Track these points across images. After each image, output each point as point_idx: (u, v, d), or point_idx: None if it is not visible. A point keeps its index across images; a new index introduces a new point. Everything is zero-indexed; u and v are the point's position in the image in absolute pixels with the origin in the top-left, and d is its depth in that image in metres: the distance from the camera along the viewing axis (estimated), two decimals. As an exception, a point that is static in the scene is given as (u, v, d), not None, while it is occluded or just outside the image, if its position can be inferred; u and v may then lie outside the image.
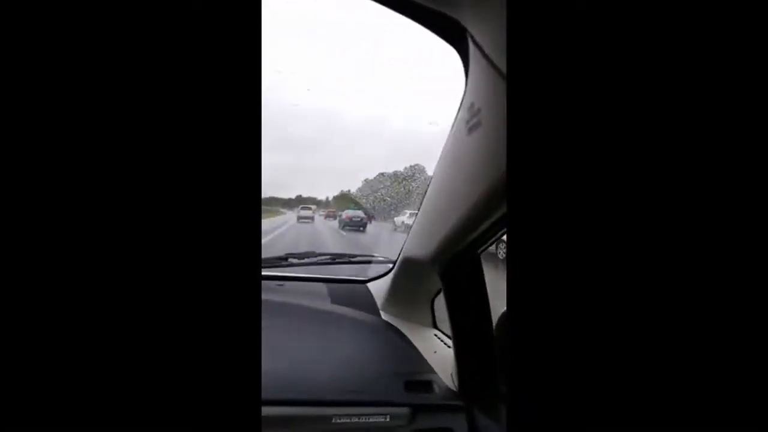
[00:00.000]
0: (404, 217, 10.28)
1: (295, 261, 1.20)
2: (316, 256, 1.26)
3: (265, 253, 0.99)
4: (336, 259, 1.27)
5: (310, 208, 18.40)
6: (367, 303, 1.09)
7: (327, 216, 19.21)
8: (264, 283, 1.09)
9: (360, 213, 12.22)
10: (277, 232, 8.51)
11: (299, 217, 16.80)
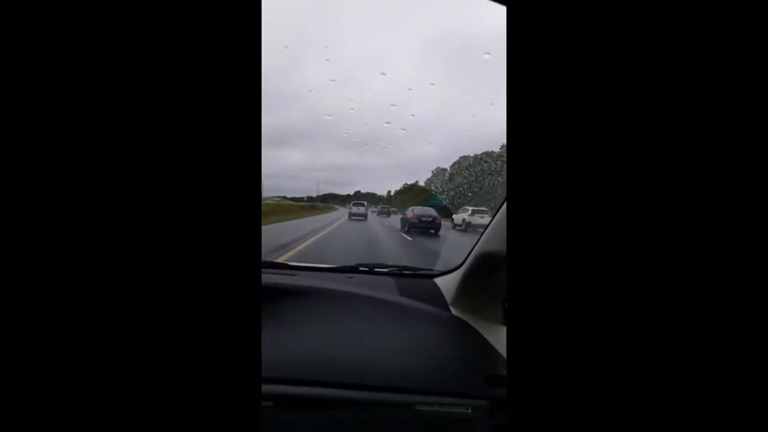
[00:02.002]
0: (465, 215, 9.11)
1: (364, 269, 1.21)
2: (386, 267, 1.24)
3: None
4: (403, 271, 1.23)
5: (362, 204, 16.40)
6: (435, 297, 1.03)
7: (380, 213, 18.00)
8: (333, 275, 1.16)
9: (431, 211, 9.15)
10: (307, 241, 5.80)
11: (350, 215, 14.82)
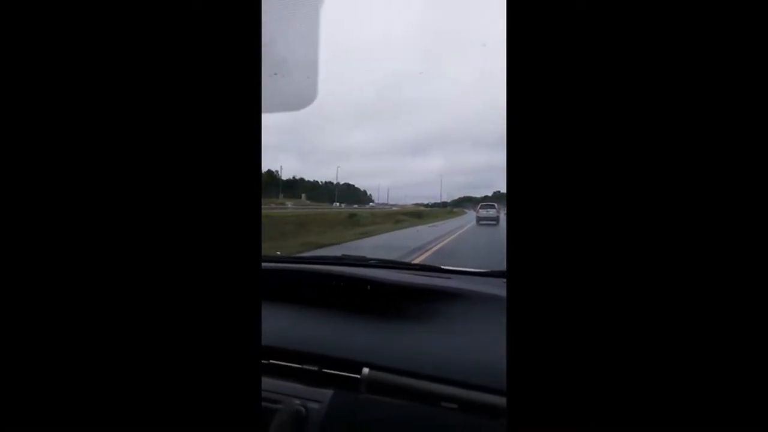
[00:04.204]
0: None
1: None
2: None
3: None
4: None
5: (492, 206, 14.16)
6: None
7: None
8: (485, 279, 1.10)
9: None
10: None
11: (478, 219, 12.83)
